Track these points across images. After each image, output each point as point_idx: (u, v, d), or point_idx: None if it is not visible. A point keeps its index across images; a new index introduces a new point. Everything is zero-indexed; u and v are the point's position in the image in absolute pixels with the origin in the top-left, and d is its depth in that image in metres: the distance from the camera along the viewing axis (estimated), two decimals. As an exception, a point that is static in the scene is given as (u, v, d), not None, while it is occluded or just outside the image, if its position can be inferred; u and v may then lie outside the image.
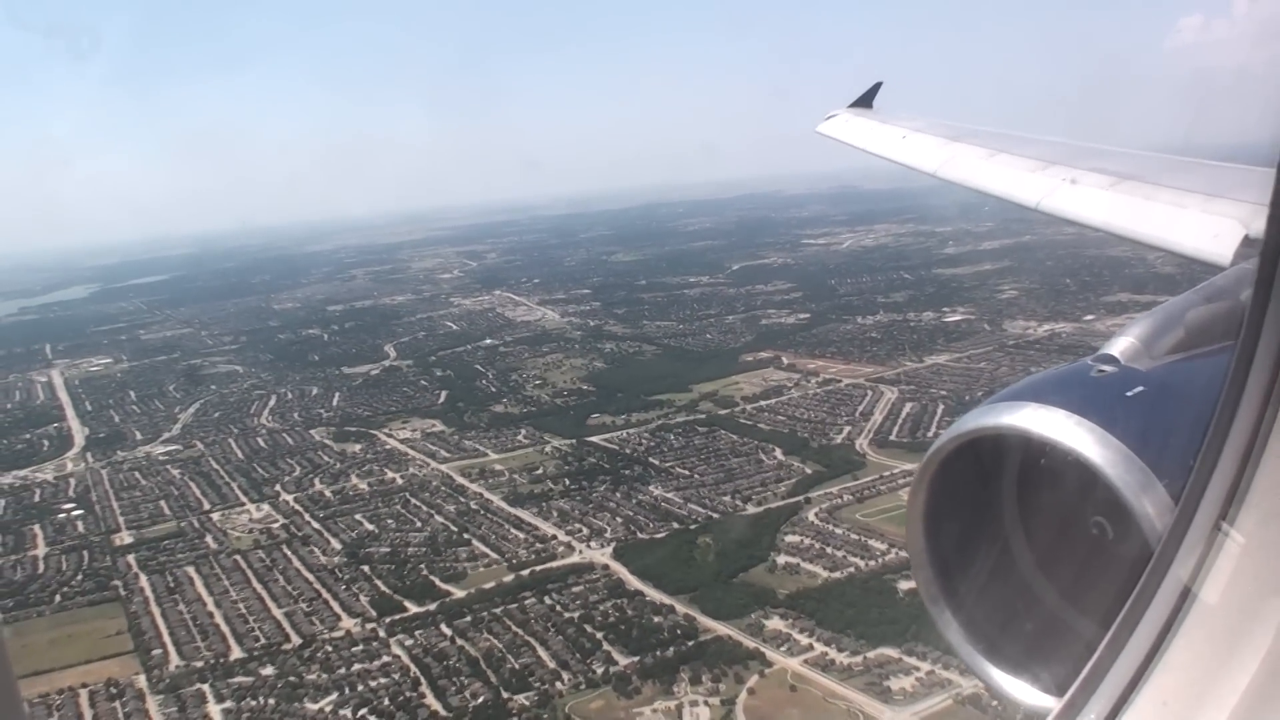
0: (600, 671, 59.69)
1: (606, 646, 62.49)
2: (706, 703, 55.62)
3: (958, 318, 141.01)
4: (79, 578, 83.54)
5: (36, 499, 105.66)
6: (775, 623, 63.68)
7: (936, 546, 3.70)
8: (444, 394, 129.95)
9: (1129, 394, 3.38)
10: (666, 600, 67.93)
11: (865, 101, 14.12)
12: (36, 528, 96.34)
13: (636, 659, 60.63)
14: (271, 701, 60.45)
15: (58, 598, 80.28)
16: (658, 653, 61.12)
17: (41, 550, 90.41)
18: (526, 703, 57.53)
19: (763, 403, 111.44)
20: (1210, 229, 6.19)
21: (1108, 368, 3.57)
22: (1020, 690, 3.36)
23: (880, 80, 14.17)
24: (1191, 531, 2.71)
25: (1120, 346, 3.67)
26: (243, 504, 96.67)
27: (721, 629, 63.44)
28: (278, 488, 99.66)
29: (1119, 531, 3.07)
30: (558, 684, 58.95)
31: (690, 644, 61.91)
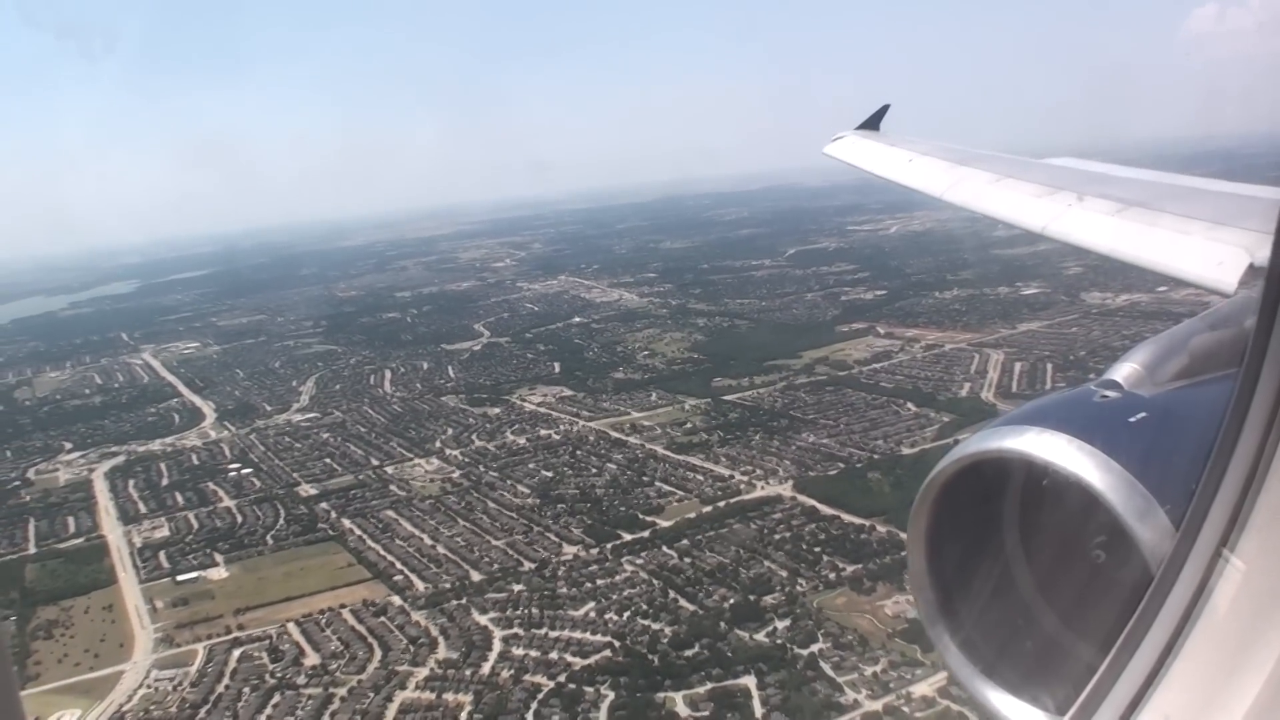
0: (832, 576, 67.14)
1: (827, 557, 69.92)
2: (942, 596, 63.06)
3: (1034, 290, 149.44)
4: (281, 523, 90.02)
5: (195, 461, 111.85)
6: (973, 536, 71.16)
7: (938, 568, 3.78)
8: (557, 365, 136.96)
9: (1132, 420, 3.44)
10: (862, 522, 75.28)
11: (872, 124, 14.31)
12: (212, 484, 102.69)
13: (860, 565, 68.04)
14: (535, 611, 67.26)
15: (269, 540, 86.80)
16: (877, 560, 68.57)
17: (230, 503, 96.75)
18: (774, 601, 64.81)
19: (876, 365, 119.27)
20: (1215, 256, 6.20)
21: (1111, 393, 3.63)
22: (1018, 711, 3.39)
23: (888, 103, 14.44)
24: (1193, 557, 2.73)
25: (1124, 372, 3.73)
26: (410, 459, 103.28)
27: (925, 543, 70.78)
28: (438, 444, 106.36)
29: (1120, 556, 3.09)
30: (797, 586, 66.29)
31: (903, 554, 69.21)
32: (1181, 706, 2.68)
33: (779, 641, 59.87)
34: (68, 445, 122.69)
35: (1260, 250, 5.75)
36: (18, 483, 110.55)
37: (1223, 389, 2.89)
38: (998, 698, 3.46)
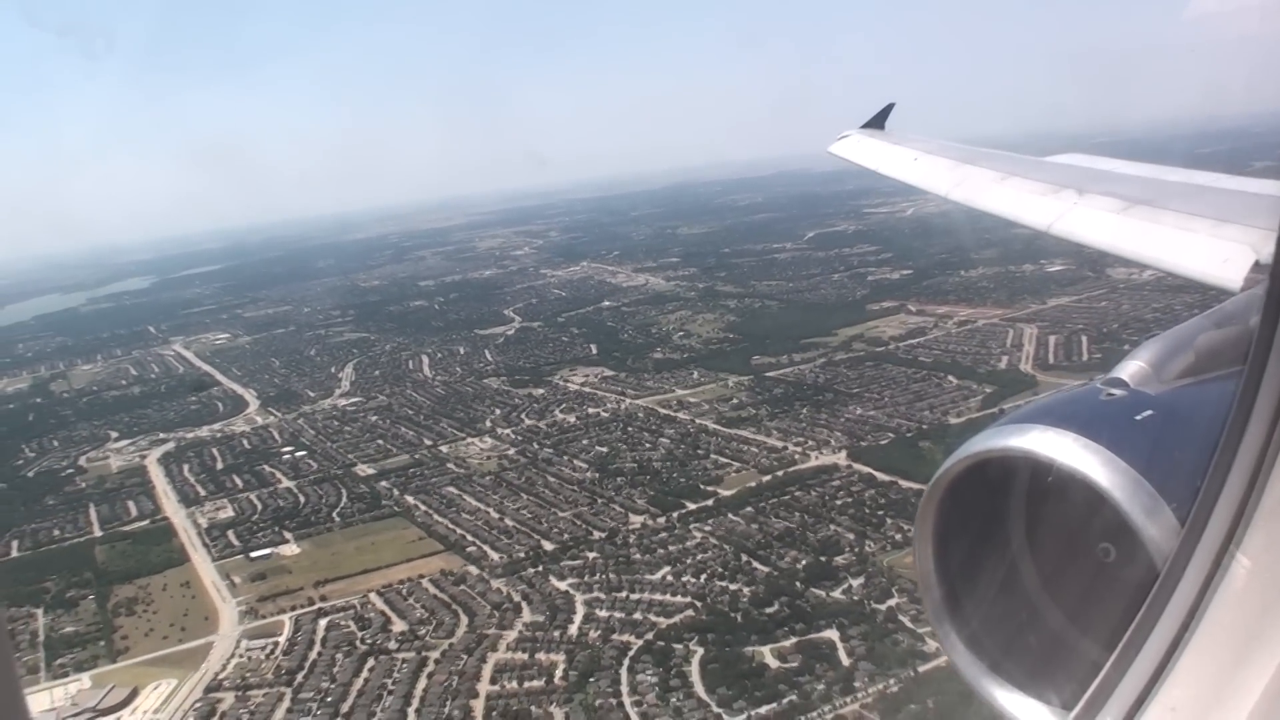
0: (898, 537, 69.30)
1: (891, 520, 72.18)
2: (1009, 553, 65.42)
3: (1059, 267, 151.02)
4: (344, 501, 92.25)
5: (247, 446, 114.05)
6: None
7: (945, 566, 3.77)
8: (594, 347, 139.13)
9: (1138, 418, 3.44)
10: (920, 486, 77.19)
11: (877, 122, 14.46)
12: (268, 467, 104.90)
13: (925, 528, 70.17)
14: (612, 576, 69.53)
15: (336, 517, 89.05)
16: (942, 523, 70.74)
17: (290, 483, 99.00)
18: (845, 561, 67.14)
19: (912, 341, 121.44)
20: (1220, 254, 6.19)
21: (1116, 391, 3.63)
22: (1024, 708, 3.41)
23: (892, 102, 14.51)
24: (1198, 555, 2.74)
25: (1129, 370, 3.74)
26: (463, 438, 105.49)
27: (985, 505, 73.14)
28: (489, 423, 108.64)
29: (1126, 554, 3.10)
30: (865, 547, 68.60)
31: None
32: (1187, 702, 2.69)
33: (855, 598, 62.25)
34: (114, 434, 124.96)
35: (1266, 247, 5.71)
36: (70, 470, 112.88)
37: (1228, 387, 2.91)
38: (1004, 695, 3.48)
